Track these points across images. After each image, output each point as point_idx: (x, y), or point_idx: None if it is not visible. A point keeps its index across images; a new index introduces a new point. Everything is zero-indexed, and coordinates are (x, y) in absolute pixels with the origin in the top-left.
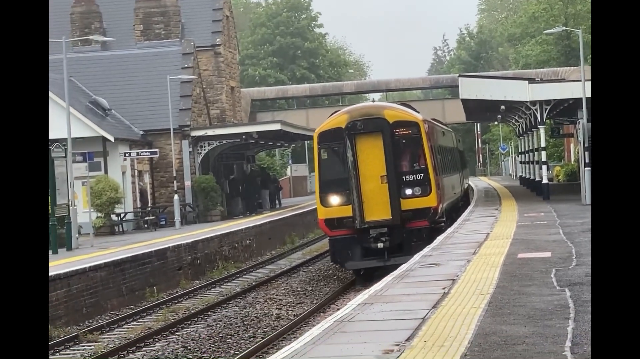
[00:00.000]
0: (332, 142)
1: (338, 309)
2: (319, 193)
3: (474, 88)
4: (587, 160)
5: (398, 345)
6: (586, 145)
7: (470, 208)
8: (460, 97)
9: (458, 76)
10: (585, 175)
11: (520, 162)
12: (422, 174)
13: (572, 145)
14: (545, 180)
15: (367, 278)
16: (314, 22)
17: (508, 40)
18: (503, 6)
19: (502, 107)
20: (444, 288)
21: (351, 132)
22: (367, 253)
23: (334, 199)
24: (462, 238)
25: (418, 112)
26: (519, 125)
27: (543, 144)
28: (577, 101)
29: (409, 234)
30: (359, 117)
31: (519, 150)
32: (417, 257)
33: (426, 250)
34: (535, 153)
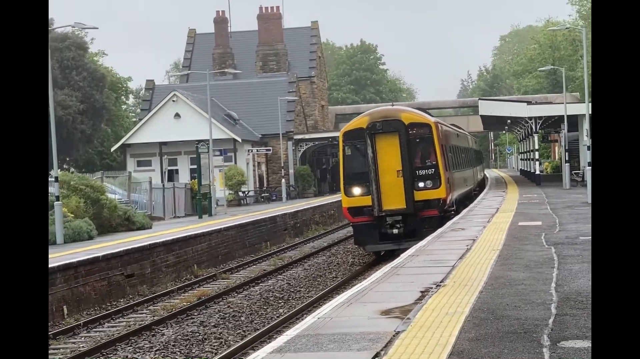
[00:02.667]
0: (355, 140)
1: (394, 258)
2: (343, 185)
3: (489, 108)
4: (567, 158)
5: (435, 284)
6: (566, 147)
7: (485, 190)
8: (480, 114)
9: (478, 99)
10: (565, 168)
11: (521, 159)
12: (433, 169)
13: (556, 148)
14: (537, 172)
15: (387, 257)
16: (379, 61)
17: (513, 74)
18: (510, 51)
19: (508, 121)
20: (467, 245)
21: (371, 131)
22: (384, 237)
23: (356, 190)
24: (480, 211)
25: (432, 116)
26: (520, 133)
27: (536, 147)
28: (561, 117)
29: (421, 221)
30: (379, 118)
31: (520, 151)
32: (449, 223)
33: (456, 218)
34: (531, 153)
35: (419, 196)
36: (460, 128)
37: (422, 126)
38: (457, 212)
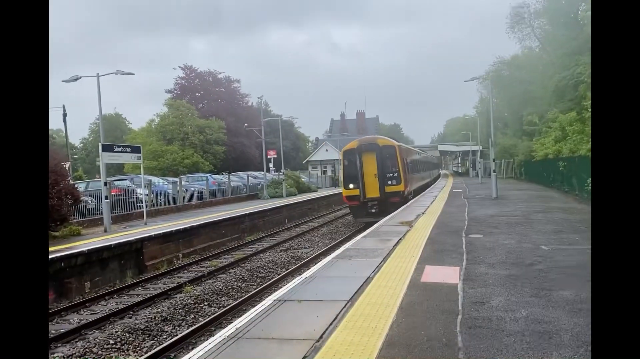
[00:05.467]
0: (350, 156)
1: (382, 217)
2: (343, 183)
3: (442, 147)
4: (472, 166)
5: (422, 212)
6: (471, 162)
7: (439, 180)
8: (439, 150)
9: (438, 144)
10: (470, 170)
11: (453, 166)
12: (397, 173)
13: (467, 162)
14: (460, 171)
15: (372, 224)
16: (399, 128)
17: (451, 135)
18: (451, 126)
19: (449, 152)
20: (434, 197)
21: (360, 150)
22: (367, 214)
23: (351, 185)
24: (439, 185)
25: (398, 141)
26: (454, 156)
27: (460, 162)
28: (469, 152)
29: (390, 204)
30: (364, 142)
31: (454, 163)
32: (418, 197)
33: (420, 196)
34: (459, 165)
35: (388, 189)
36: (424, 151)
37: (390, 147)
38: (416, 195)
